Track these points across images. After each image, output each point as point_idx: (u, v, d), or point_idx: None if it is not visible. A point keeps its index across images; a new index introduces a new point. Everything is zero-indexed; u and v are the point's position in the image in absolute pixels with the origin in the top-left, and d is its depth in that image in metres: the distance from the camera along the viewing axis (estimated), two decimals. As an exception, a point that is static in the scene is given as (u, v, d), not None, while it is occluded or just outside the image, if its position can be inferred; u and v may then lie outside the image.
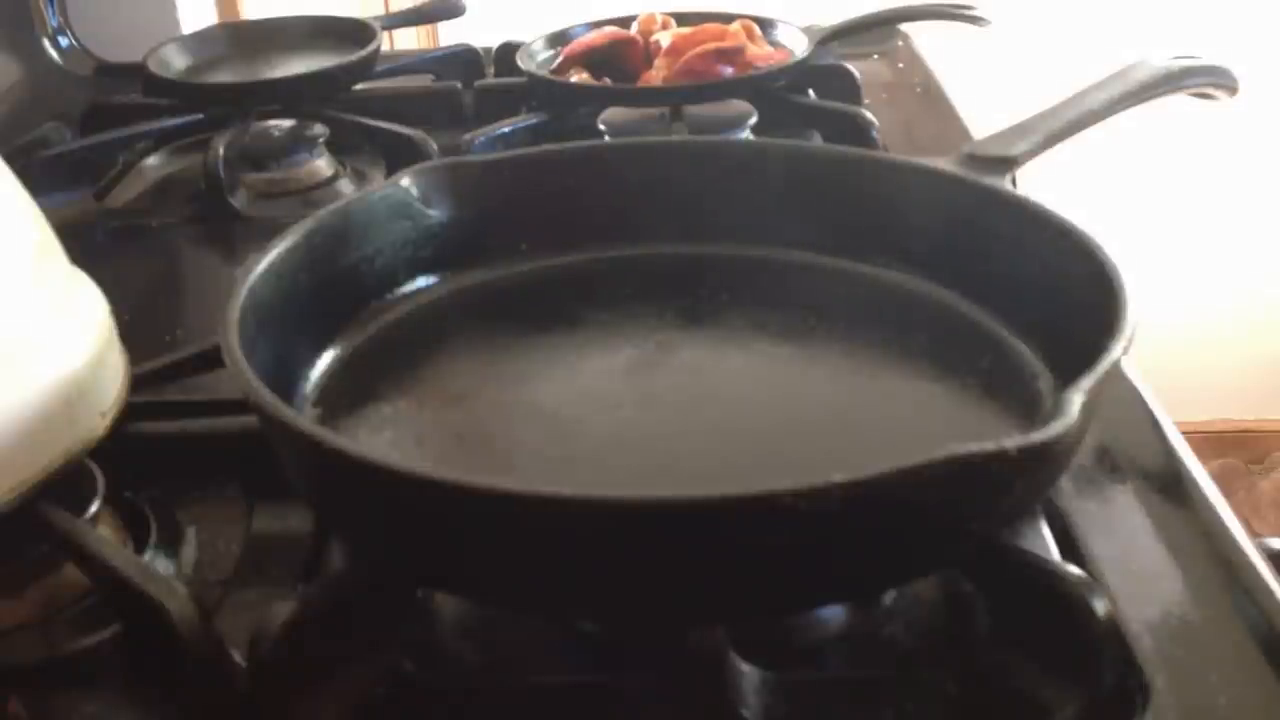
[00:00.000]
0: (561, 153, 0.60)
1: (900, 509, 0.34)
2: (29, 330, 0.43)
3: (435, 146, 0.81)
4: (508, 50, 0.95)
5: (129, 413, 0.46)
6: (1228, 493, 0.47)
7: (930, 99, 0.95)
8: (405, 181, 0.55)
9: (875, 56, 1.04)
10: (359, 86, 0.93)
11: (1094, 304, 0.43)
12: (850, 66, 0.91)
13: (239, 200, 0.81)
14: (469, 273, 0.56)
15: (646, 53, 0.88)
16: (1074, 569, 0.39)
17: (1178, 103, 0.65)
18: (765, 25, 0.90)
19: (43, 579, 0.44)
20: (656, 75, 0.85)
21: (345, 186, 0.85)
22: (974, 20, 0.91)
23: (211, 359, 0.50)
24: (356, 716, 0.37)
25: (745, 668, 0.38)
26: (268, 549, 0.47)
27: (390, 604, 0.40)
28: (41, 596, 0.43)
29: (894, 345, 0.51)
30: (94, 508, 0.45)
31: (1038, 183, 0.67)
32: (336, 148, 0.87)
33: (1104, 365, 0.38)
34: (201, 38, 0.98)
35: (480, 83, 0.96)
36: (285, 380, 0.47)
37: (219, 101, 0.89)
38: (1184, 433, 0.51)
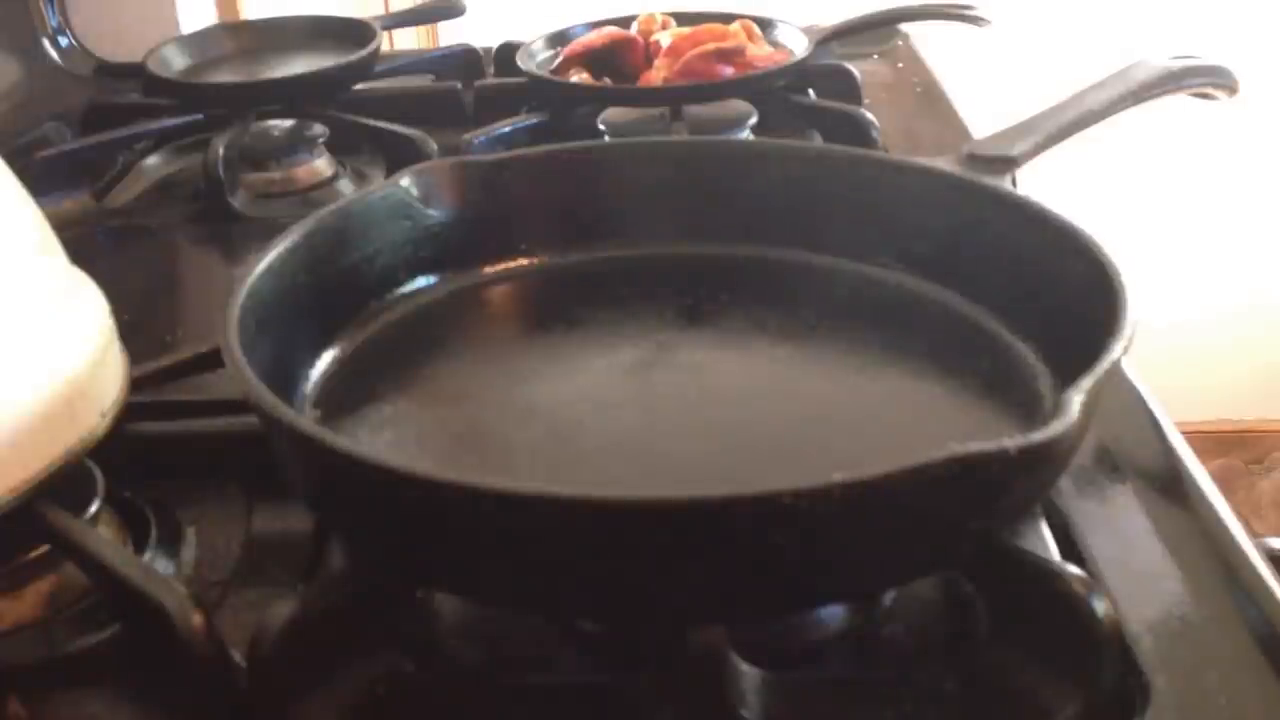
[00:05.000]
0: (562, 153, 0.60)
1: (900, 509, 0.34)
2: (29, 330, 0.43)
3: (435, 146, 0.81)
4: (508, 50, 0.95)
5: (129, 413, 0.46)
6: (1228, 493, 0.47)
7: (930, 99, 0.95)
8: (405, 181, 0.55)
9: (875, 56, 1.04)
10: (359, 86, 0.93)
11: (1094, 304, 0.43)
12: (850, 66, 0.91)
13: (239, 200, 0.81)
14: (469, 273, 0.56)
15: (646, 53, 0.88)
16: (1074, 569, 0.39)
17: (1178, 103, 0.65)
18: (765, 25, 0.90)
19: (43, 579, 0.44)
20: (656, 75, 0.85)
21: (345, 186, 0.85)
22: (974, 20, 0.91)
23: (211, 359, 0.50)
24: (356, 716, 0.37)
25: (745, 668, 0.38)
26: (268, 549, 0.47)
27: (390, 604, 0.40)
28: (41, 596, 0.43)
29: (894, 345, 0.51)
30: (94, 508, 0.45)
31: (1038, 183, 0.67)
32: (336, 148, 0.87)
33: (1104, 365, 0.38)
34: (201, 38, 0.98)
35: (480, 83, 0.96)
36: (285, 380, 0.47)
37: (219, 101, 0.89)
38: (1184, 433, 0.51)
